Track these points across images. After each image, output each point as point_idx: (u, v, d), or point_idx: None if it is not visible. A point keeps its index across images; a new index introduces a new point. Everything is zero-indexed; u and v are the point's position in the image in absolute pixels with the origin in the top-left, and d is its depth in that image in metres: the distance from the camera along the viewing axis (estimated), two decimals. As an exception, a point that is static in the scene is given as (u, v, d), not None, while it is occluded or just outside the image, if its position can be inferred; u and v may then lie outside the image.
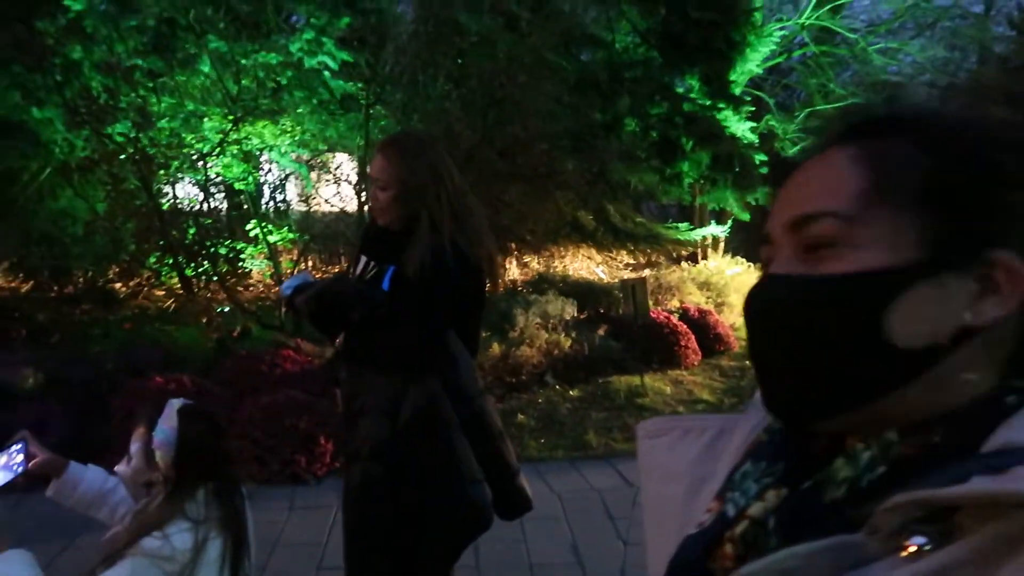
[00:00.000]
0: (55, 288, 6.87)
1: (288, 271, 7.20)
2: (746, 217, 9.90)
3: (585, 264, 9.85)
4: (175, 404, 1.92)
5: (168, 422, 1.87)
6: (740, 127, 9.29)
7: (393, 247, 2.23)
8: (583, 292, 8.06)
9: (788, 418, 0.59)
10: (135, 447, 1.91)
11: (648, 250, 10.12)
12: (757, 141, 9.62)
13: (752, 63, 9.86)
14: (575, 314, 7.39)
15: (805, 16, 11.55)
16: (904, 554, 0.47)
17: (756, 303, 0.59)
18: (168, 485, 1.85)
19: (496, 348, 6.09)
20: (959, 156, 0.53)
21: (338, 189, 7.83)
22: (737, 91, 9.70)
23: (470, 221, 2.25)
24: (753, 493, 0.59)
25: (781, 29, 10.59)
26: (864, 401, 0.54)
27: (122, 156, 6.32)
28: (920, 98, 0.61)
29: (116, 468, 1.95)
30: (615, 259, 10.17)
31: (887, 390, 0.53)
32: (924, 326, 0.53)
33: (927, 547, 0.46)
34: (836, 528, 0.50)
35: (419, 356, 2.24)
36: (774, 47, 10.39)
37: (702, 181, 9.76)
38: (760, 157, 9.48)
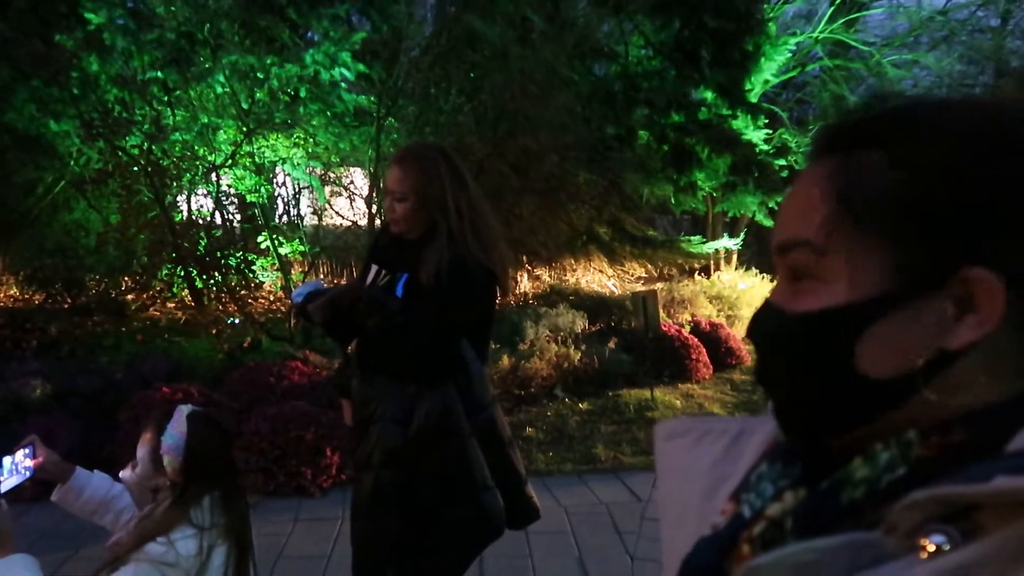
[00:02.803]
0: (68, 299, 6.92)
1: (299, 283, 7.22)
2: (770, 223, 9.85)
3: (597, 277, 9.82)
4: (184, 410, 1.91)
5: (178, 427, 1.87)
6: (755, 135, 9.28)
7: (407, 255, 2.24)
8: (594, 305, 8.03)
9: (791, 435, 0.60)
10: (142, 452, 1.91)
11: (661, 263, 10.08)
12: (772, 151, 9.60)
13: (767, 73, 9.85)
14: (586, 327, 7.36)
15: (819, 29, 11.54)
16: (922, 554, 0.45)
17: (754, 328, 0.61)
18: (175, 491, 1.85)
19: (506, 360, 6.06)
20: (928, 165, 0.50)
21: (351, 202, 7.87)
22: (753, 99, 9.70)
23: (485, 230, 2.26)
24: (770, 494, 0.59)
25: (795, 40, 10.56)
26: (853, 426, 0.54)
27: (135, 168, 6.37)
28: (900, 102, 0.55)
29: (121, 474, 1.95)
30: (627, 272, 10.14)
31: (873, 416, 0.53)
32: (896, 356, 0.51)
33: (946, 546, 0.44)
34: (854, 528, 0.49)
35: (434, 364, 2.24)
36: (788, 57, 10.37)
37: (720, 189, 9.73)
38: (780, 162, 9.45)
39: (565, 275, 9.59)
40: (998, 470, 0.45)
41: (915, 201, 0.50)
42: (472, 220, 2.22)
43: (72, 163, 6.44)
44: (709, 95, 9.35)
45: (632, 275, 10.22)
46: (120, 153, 6.35)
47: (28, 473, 1.89)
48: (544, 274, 9.44)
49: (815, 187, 0.54)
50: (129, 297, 7.22)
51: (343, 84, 6.66)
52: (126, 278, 7.22)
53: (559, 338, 6.73)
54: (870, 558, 0.47)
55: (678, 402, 6.12)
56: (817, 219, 0.53)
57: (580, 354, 6.38)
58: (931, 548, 0.45)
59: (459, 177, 2.25)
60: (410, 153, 2.32)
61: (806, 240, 0.54)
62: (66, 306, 6.85)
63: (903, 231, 0.50)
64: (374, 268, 2.35)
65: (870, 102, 0.57)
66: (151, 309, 7.19)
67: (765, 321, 0.59)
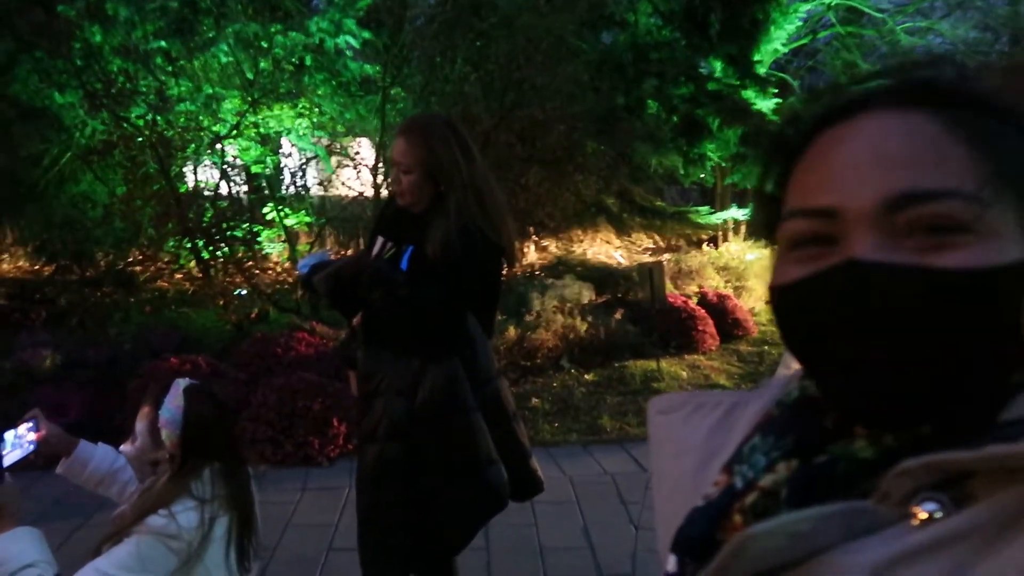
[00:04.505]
0: (76, 271, 6.95)
1: (305, 254, 7.22)
2: (782, 193, 9.79)
3: (604, 248, 9.79)
4: (181, 384, 1.93)
5: (174, 401, 1.88)
6: (765, 104, 9.18)
7: (412, 227, 2.23)
8: (601, 276, 8.02)
9: (883, 420, 0.52)
10: (140, 426, 1.93)
11: (669, 234, 10.04)
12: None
13: (777, 42, 9.72)
14: (592, 298, 7.35)
15: (831, -5, 11.33)
16: (914, 521, 0.45)
17: (861, 296, 0.50)
18: (174, 464, 1.87)
19: (512, 332, 6.07)
20: None
21: (357, 173, 7.84)
22: (762, 71, 9.57)
23: (491, 203, 2.24)
24: (762, 466, 0.58)
25: (806, 6, 10.39)
26: (982, 397, 0.49)
27: (139, 139, 6.35)
28: (981, 78, 0.54)
29: (121, 448, 1.97)
30: (634, 243, 10.11)
31: (999, 388, 0.49)
32: None
33: (938, 514, 0.44)
34: (849, 498, 0.48)
35: (439, 337, 2.24)
36: (800, 25, 10.21)
37: (730, 160, 9.65)
38: (791, 131, 9.37)
39: (572, 246, 9.56)
40: (991, 438, 0.44)
41: None
42: (478, 192, 2.21)
43: (77, 135, 6.42)
44: (718, 66, 9.23)
45: (640, 246, 10.19)
46: (124, 124, 6.33)
47: (32, 447, 1.90)
48: (551, 245, 9.42)
49: (938, 140, 0.50)
50: (137, 269, 7.25)
51: (348, 52, 6.59)
52: (134, 250, 7.24)
53: (565, 309, 6.73)
54: (864, 526, 0.46)
55: (684, 373, 6.12)
56: (970, 172, 0.49)
57: (586, 325, 6.38)
58: (923, 516, 0.45)
59: (465, 149, 2.23)
60: (415, 124, 2.29)
61: (958, 191, 0.48)
62: (75, 278, 6.88)
63: None
64: (380, 240, 2.34)
65: (919, 63, 0.55)
66: (159, 281, 7.22)
67: (894, 281, 0.49)
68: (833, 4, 11.36)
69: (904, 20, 12.24)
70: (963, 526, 0.43)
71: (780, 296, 0.56)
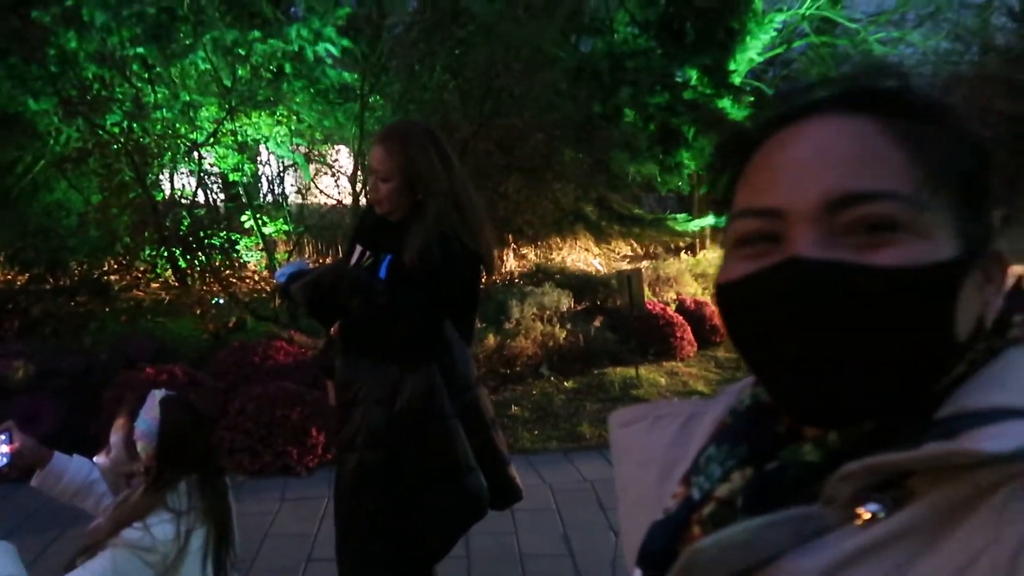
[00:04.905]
0: (50, 281, 6.86)
1: (283, 262, 7.19)
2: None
3: (583, 256, 9.83)
4: (157, 395, 1.92)
5: (150, 412, 1.87)
6: (740, 113, 9.28)
7: (391, 236, 2.22)
8: (580, 284, 8.04)
9: (827, 417, 0.53)
10: (115, 438, 1.91)
11: (647, 241, 10.10)
12: (756, 130, 9.61)
13: (752, 51, 9.85)
14: (571, 305, 7.38)
15: (806, 6, 11.49)
16: (858, 522, 0.46)
17: (801, 292, 0.51)
18: (149, 476, 1.85)
19: (491, 339, 6.08)
20: (982, 150, 0.54)
21: (336, 181, 7.82)
22: (737, 80, 9.67)
23: (471, 211, 2.24)
24: (718, 476, 0.59)
25: (781, 17, 10.53)
26: (917, 394, 0.51)
27: (115, 147, 6.29)
28: (920, 83, 0.57)
29: (95, 459, 1.95)
30: (613, 251, 10.15)
31: (934, 382, 0.51)
32: (970, 318, 0.52)
33: (881, 514, 0.46)
34: (801, 502, 0.49)
35: (418, 345, 2.24)
36: (775, 35, 10.35)
37: (706, 169, 9.72)
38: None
39: (551, 254, 9.59)
40: (928, 436, 0.46)
41: (978, 182, 0.54)
42: (457, 200, 2.20)
43: (52, 142, 6.35)
44: (694, 75, 9.33)
45: (618, 253, 10.23)
46: (100, 131, 6.26)
47: (5, 460, 1.89)
48: (530, 253, 9.44)
49: (878, 143, 0.52)
50: (113, 278, 7.17)
51: (328, 60, 6.58)
52: (109, 259, 7.16)
53: (545, 317, 6.75)
54: (813, 530, 0.47)
55: (663, 380, 6.16)
56: (906, 174, 0.51)
57: (566, 332, 6.40)
58: (867, 516, 0.46)
59: (444, 157, 2.23)
60: (394, 132, 2.30)
61: (895, 192, 0.50)
62: (49, 287, 6.79)
63: (968, 206, 0.53)
64: (359, 248, 2.34)
65: (866, 71, 0.57)
66: (135, 290, 7.14)
67: (832, 277, 0.50)
68: (807, 15, 11.53)
69: (877, 30, 12.45)
70: (902, 525, 0.45)
71: (725, 293, 0.57)
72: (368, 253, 2.30)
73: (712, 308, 7.71)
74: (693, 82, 9.31)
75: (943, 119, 0.54)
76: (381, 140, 2.26)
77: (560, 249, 9.69)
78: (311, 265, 2.54)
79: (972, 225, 0.52)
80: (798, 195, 0.52)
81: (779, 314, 0.52)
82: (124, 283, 7.11)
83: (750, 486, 0.55)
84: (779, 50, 12.21)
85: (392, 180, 2.20)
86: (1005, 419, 0.46)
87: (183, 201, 7.16)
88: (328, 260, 8.32)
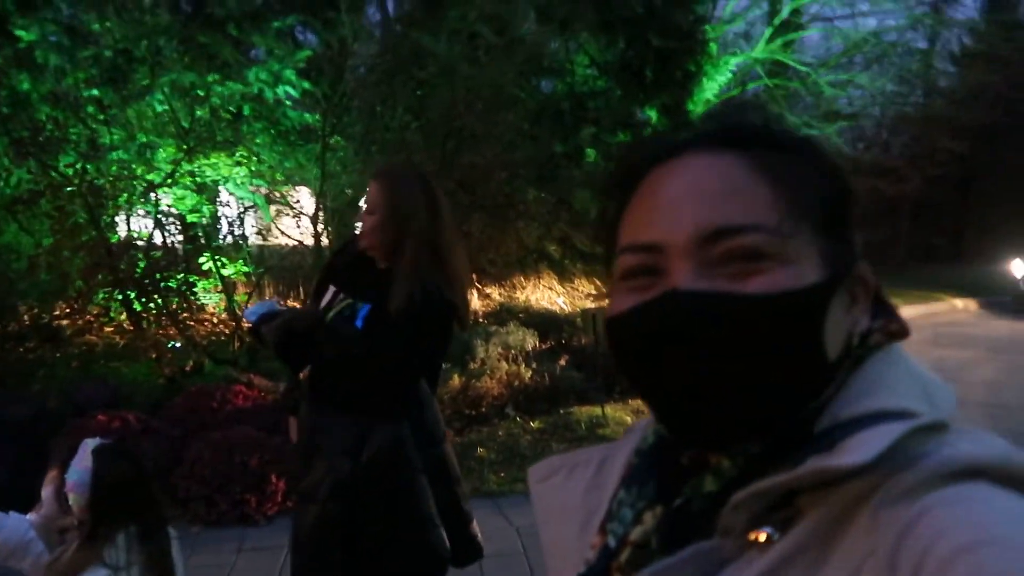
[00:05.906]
0: (-2, 326, 6.62)
1: (244, 304, 7.05)
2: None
3: (546, 294, 9.85)
4: (90, 444, 1.83)
5: (82, 463, 1.78)
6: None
7: (372, 282, 2.18)
8: (545, 322, 8.02)
9: (708, 440, 0.55)
10: (47, 492, 1.82)
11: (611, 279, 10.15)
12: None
13: (709, 92, 10.10)
14: (536, 345, 7.34)
15: (759, 50, 11.86)
16: (755, 550, 0.48)
17: (680, 322, 0.53)
18: (83, 530, 1.76)
19: (456, 380, 6.00)
20: (841, 179, 0.58)
21: (297, 222, 7.74)
22: (696, 119, 9.90)
23: (451, 260, 2.22)
24: (630, 519, 0.59)
25: (735, 59, 10.85)
26: (795, 414, 0.53)
27: (69, 189, 6.16)
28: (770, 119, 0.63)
29: (28, 516, 1.85)
30: (577, 289, 10.19)
31: (810, 401, 0.54)
32: (840, 337, 0.55)
33: (775, 536, 0.47)
34: (709, 535, 0.51)
35: (392, 397, 2.20)
36: (730, 77, 10.64)
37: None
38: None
39: (515, 292, 9.58)
40: (811, 451, 0.48)
41: (837, 209, 0.57)
42: (436, 249, 2.18)
43: (2, 184, 6.19)
44: (654, 114, 9.53)
45: (582, 292, 10.27)
46: (52, 173, 6.13)
47: None
48: (494, 292, 9.43)
49: (744, 177, 0.55)
50: (64, 322, 6.95)
51: (288, 102, 6.56)
52: (61, 303, 6.95)
53: (510, 356, 6.69)
54: (714, 565, 0.49)
55: (629, 418, 6.12)
56: (772, 207, 0.54)
57: (531, 372, 6.35)
58: (762, 539, 0.48)
59: (431, 201, 2.20)
60: (387, 170, 2.36)
61: (762, 225, 0.53)
62: (-5, 333, 6.55)
63: (829, 231, 0.55)
64: (332, 289, 2.29)
65: (732, 109, 0.61)
66: (88, 334, 6.93)
67: (708, 306, 0.52)
68: (761, 58, 11.89)
69: (827, 73, 12.88)
70: (795, 545, 0.46)
71: (613, 326, 0.59)
72: (342, 296, 2.24)
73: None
74: (653, 121, 9.49)
75: (803, 152, 0.58)
76: (375, 177, 2.27)
77: (524, 288, 9.70)
78: (280, 305, 2.48)
79: (836, 249, 0.55)
80: (674, 230, 0.55)
81: (661, 343, 0.54)
82: (76, 327, 6.90)
83: (661, 525, 0.56)
84: (735, 91, 12.56)
85: (376, 213, 2.17)
86: (874, 423, 0.48)
87: (139, 243, 7.00)
88: (291, 302, 8.20)
